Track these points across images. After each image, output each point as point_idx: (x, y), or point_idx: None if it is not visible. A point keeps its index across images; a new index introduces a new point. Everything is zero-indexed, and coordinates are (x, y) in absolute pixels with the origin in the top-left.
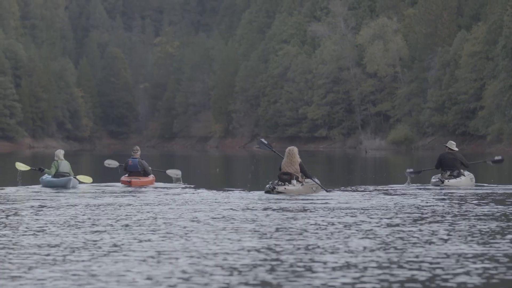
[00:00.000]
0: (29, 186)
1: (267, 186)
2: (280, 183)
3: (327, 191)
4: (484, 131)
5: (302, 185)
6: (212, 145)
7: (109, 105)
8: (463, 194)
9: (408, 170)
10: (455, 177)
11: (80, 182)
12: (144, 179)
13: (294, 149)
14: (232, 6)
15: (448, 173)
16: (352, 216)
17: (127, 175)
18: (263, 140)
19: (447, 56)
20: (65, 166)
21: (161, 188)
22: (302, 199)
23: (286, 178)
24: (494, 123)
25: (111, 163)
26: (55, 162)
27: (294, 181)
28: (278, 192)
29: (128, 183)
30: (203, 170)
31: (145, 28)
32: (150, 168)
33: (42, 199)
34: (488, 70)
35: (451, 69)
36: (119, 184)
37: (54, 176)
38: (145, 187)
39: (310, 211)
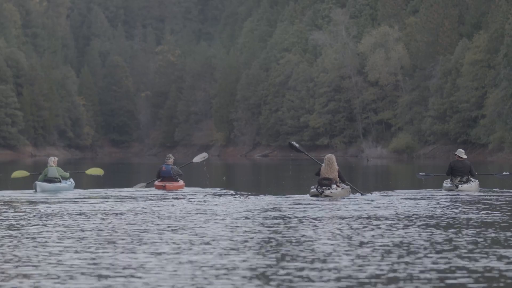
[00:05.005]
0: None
1: (312, 190)
2: (324, 188)
3: (362, 194)
4: (486, 140)
5: (342, 189)
6: (214, 154)
7: (111, 114)
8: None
9: (420, 174)
10: (465, 182)
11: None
12: (176, 184)
13: (333, 157)
14: (233, 14)
15: (458, 178)
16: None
17: (159, 180)
18: (294, 143)
19: (449, 65)
20: (53, 172)
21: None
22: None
23: (327, 183)
24: (496, 132)
25: (140, 186)
26: (45, 169)
27: (334, 186)
28: (326, 196)
29: (163, 188)
30: (209, 178)
31: (147, 36)
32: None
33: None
34: (489, 79)
35: (453, 78)
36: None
37: (44, 181)
38: (179, 191)
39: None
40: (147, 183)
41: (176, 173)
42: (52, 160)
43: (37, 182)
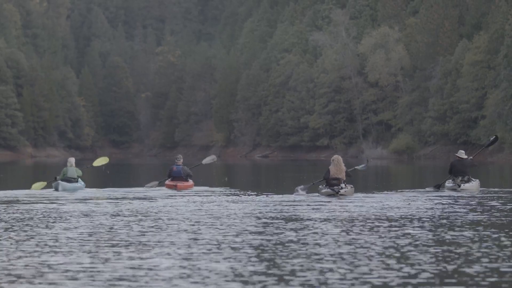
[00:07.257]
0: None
1: (326, 190)
2: (335, 187)
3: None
4: (486, 140)
5: (351, 187)
6: (214, 154)
7: (111, 114)
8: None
9: (428, 188)
10: (467, 182)
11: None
12: (187, 184)
13: (339, 158)
14: (234, 15)
15: (460, 178)
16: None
17: (170, 179)
18: (300, 189)
19: (449, 65)
20: (72, 172)
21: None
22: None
23: (336, 182)
24: (496, 133)
25: (152, 185)
26: (64, 168)
27: (342, 185)
28: (341, 195)
29: (174, 187)
30: (210, 179)
31: (147, 37)
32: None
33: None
34: (489, 79)
35: (453, 78)
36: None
37: (63, 180)
38: (188, 190)
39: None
40: (159, 182)
41: (186, 173)
42: (72, 161)
43: (60, 181)
